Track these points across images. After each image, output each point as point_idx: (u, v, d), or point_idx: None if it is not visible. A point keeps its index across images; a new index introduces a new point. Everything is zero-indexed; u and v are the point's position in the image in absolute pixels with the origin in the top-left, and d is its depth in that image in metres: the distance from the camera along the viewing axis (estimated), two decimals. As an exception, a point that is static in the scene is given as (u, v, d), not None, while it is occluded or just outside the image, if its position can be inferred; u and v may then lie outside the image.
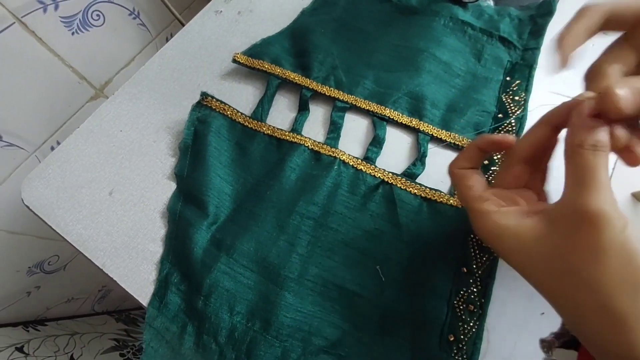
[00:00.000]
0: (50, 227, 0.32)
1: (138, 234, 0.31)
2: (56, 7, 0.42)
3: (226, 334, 0.27)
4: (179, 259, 0.29)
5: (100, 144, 0.35)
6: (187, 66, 0.38)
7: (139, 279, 0.30)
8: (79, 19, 0.44)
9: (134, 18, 0.50)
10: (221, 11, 0.42)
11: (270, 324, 0.26)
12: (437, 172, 0.32)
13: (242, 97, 0.36)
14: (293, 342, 0.26)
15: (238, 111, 0.35)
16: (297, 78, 0.35)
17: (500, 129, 0.33)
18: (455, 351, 0.26)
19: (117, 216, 0.32)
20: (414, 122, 0.33)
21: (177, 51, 0.39)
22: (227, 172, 0.32)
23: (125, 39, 0.51)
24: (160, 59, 0.39)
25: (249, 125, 0.34)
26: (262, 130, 0.34)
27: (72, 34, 0.44)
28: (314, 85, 0.35)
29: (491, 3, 0.40)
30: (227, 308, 0.27)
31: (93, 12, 0.45)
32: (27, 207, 0.32)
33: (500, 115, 0.34)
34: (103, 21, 0.47)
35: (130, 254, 0.30)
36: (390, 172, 0.31)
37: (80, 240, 0.31)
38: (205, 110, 0.34)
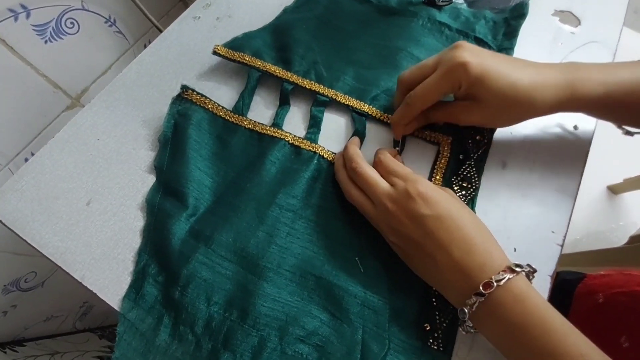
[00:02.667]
0: (26, 241, 0.30)
1: (118, 244, 0.30)
2: (28, 15, 0.41)
3: (203, 324, 0.26)
4: (156, 250, 0.29)
5: (76, 153, 0.34)
6: (166, 72, 0.38)
7: (120, 290, 0.29)
8: (52, 27, 0.43)
9: (110, 25, 0.49)
10: (199, 17, 0.42)
11: (247, 313, 0.26)
12: (413, 167, 0.32)
13: (222, 101, 0.36)
14: (270, 331, 0.26)
15: (219, 105, 0.35)
16: (277, 71, 0.35)
17: None
18: (430, 340, 0.27)
19: (96, 227, 0.31)
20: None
21: (155, 57, 0.39)
22: (207, 165, 0.32)
23: (101, 47, 0.50)
24: (138, 66, 0.38)
25: (230, 119, 0.34)
26: (243, 125, 0.34)
27: (45, 42, 0.43)
28: (294, 78, 0.35)
29: (464, 6, 0.42)
30: (205, 298, 0.27)
31: (67, 20, 0.44)
32: (0, 221, 0.31)
33: None
34: (78, 29, 0.46)
35: (111, 265, 0.29)
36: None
37: (57, 253, 0.30)
38: (185, 103, 0.34)
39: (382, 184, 0.28)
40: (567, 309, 0.48)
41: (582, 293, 0.50)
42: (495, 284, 0.23)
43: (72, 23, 0.45)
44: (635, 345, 0.40)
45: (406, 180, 0.27)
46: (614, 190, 1.07)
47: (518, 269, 0.24)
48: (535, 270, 0.25)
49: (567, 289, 0.50)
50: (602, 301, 0.47)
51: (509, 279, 0.23)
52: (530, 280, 0.25)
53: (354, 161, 0.29)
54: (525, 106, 0.29)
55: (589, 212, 1.04)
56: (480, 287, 0.23)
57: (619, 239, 1.02)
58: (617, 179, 1.05)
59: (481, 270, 0.24)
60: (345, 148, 0.31)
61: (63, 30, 0.45)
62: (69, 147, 0.34)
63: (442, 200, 0.26)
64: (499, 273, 0.23)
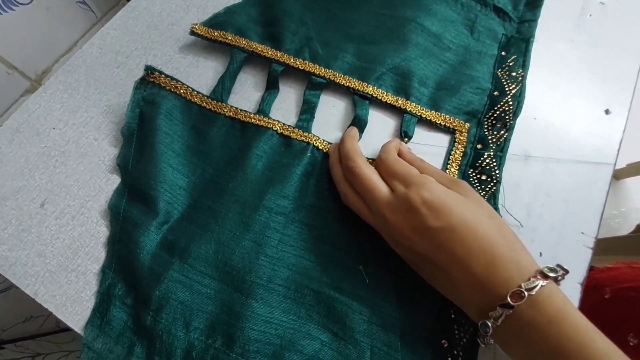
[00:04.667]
0: (-34, 250, 0.26)
1: (78, 253, 0.26)
2: (-33, -19, 0.34)
3: (182, 354, 0.23)
4: (123, 267, 0.25)
5: (28, 145, 0.30)
6: (134, 48, 0.34)
7: (80, 308, 0.25)
8: (-1, -4, 0.37)
9: (72, -5, 0.43)
10: (173, -17, 0.36)
11: (234, 339, 0.23)
12: (424, 159, 0.28)
13: (200, 82, 0.32)
14: (262, 359, 0.23)
15: (194, 90, 0.30)
16: (265, 50, 0.31)
17: (496, 108, 0.30)
18: (449, 359, 0.24)
19: (52, 233, 0.27)
20: (400, 102, 0.30)
21: (121, 31, 0.34)
22: (181, 162, 0.28)
23: (62, 20, 0.44)
24: (101, 41, 0.34)
25: (208, 107, 0.30)
26: (223, 112, 0.30)
27: (-8, 13, 0.37)
28: (285, 58, 0.31)
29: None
30: (182, 323, 0.24)
31: (16, -14, 0.38)
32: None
33: (496, 93, 0.31)
34: (31, -1, 0.39)
35: (69, 278, 0.26)
36: (372, 159, 0.28)
37: (5, 265, 0.26)
38: (152, 88, 0.30)
39: (381, 188, 0.24)
40: (571, 303, 0.46)
41: (588, 287, 0.48)
42: (525, 293, 0.20)
43: (23, -10, 0.39)
44: (643, 343, 0.38)
45: (408, 184, 0.23)
46: (617, 175, 1.05)
47: (552, 274, 0.20)
48: (567, 272, 0.21)
49: (571, 282, 0.48)
50: (609, 296, 0.46)
51: (541, 286, 0.20)
52: (559, 283, 0.21)
53: (350, 159, 0.25)
54: None
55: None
56: (508, 298, 0.20)
57: (620, 226, 1.00)
58: (620, 164, 1.03)
59: (507, 286, 0.20)
60: (342, 141, 0.27)
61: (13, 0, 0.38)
62: (19, 138, 0.30)
63: (454, 207, 0.22)
64: (529, 280, 0.20)
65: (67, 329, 0.79)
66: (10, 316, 0.62)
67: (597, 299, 0.46)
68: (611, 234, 0.89)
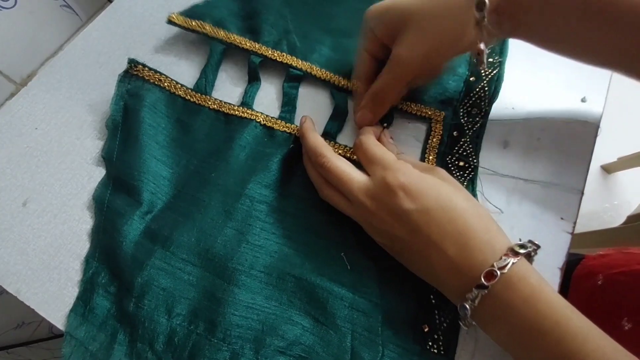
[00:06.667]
0: (-52, 250, 0.26)
1: (60, 251, 0.27)
2: (-52, -15, 0.35)
3: (164, 340, 0.23)
4: (106, 256, 0.25)
5: (10, 145, 0.30)
6: (116, 49, 0.34)
7: (62, 305, 0.25)
8: (-18, -1, 0.37)
9: (56, -1, 0.43)
10: (155, -16, 0.37)
11: (216, 325, 0.23)
12: (403, 148, 0.30)
13: (183, 79, 0.32)
14: (244, 344, 0.23)
15: (178, 83, 0.31)
16: (243, 42, 0.31)
17: (472, 94, 0.31)
18: (430, 343, 0.24)
19: (34, 231, 0.27)
20: None
21: (103, 32, 0.35)
22: (165, 153, 0.28)
23: (47, 24, 0.44)
24: (84, 42, 0.34)
25: (192, 99, 0.30)
26: (207, 105, 0.30)
27: (-24, 17, 0.37)
28: (263, 50, 0.31)
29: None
30: (165, 310, 0.24)
31: (-1, -10, 0.38)
32: None
33: (472, 78, 0.32)
34: (14, 2, 0.40)
35: (51, 275, 0.26)
36: (351, 148, 0.29)
37: (-14, 264, 0.26)
38: (136, 81, 0.30)
39: (357, 178, 0.24)
40: (566, 292, 0.46)
41: (581, 275, 0.49)
42: (498, 272, 0.20)
43: (6, -6, 0.39)
44: (637, 327, 0.38)
45: (386, 169, 0.23)
46: (608, 169, 1.06)
47: (522, 250, 0.21)
48: (538, 247, 0.22)
49: (565, 271, 0.48)
50: (601, 282, 0.46)
51: (513, 263, 0.20)
52: (532, 259, 0.22)
53: (318, 154, 0.25)
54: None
55: (583, 192, 1.03)
56: (482, 278, 0.20)
57: (613, 219, 1.01)
58: (611, 158, 1.03)
59: (481, 268, 0.21)
60: (302, 138, 0.27)
61: (-3, 3, 0.38)
62: (1, 139, 0.30)
63: (429, 189, 0.22)
64: (500, 258, 0.20)
65: (61, 335, 0.78)
66: (1, 323, 0.61)
67: (590, 286, 0.47)
68: (604, 226, 0.90)
